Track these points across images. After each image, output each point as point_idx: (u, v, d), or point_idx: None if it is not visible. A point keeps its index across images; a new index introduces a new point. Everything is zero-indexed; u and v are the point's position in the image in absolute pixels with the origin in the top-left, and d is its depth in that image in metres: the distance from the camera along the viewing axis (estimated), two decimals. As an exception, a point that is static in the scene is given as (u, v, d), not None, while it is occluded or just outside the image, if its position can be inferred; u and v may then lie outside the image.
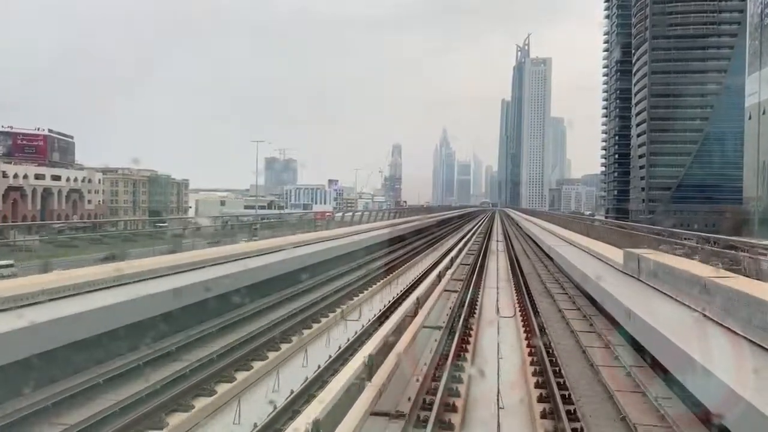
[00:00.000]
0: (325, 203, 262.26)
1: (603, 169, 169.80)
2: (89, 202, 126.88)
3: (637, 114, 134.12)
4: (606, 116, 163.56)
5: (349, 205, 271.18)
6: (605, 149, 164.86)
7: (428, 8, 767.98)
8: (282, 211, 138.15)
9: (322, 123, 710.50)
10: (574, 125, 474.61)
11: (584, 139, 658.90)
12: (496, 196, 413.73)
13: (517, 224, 70.32)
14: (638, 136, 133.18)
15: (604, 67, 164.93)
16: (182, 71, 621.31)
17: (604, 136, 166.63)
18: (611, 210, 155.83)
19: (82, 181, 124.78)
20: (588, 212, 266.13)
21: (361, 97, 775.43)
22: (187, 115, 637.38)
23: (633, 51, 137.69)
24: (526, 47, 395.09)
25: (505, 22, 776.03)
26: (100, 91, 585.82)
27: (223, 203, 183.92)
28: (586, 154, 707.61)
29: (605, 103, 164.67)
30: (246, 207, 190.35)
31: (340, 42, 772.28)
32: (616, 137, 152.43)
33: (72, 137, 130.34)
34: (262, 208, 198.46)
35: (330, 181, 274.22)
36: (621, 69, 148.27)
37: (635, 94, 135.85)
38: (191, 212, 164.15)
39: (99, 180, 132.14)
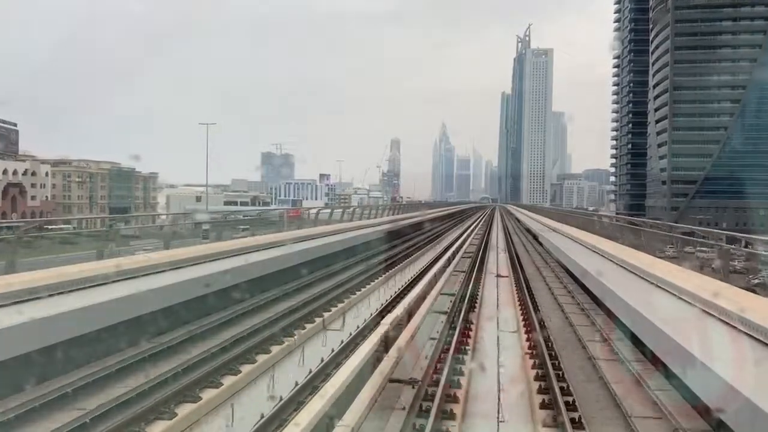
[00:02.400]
0: (316, 199, 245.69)
1: (613, 161, 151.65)
2: (33, 197, 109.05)
3: (656, 97, 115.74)
4: (617, 101, 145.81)
5: (342, 200, 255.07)
6: (616, 139, 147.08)
7: (428, 2, 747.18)
8: (248, 208, 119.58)
9: (321, 118, 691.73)
10: (575, 120, 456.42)
11: (585, 133, 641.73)
12: (496, 191, 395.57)
13: (528, 231, 50.88)
14: (657, 122, 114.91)
15: (614, 58, 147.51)
16: (179, 67, 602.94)
17: (614, 124, 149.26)
18: (624, 206, 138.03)
19: (24, 173, 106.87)
20: (591, 208, 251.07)
21: (361, 93, 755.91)
22: (183, 110, 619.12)
23: (651, 40, 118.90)
24: (527, 38, 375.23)
25: (505, 15, 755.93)
26: (96, 87, 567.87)
27: (198, 199, 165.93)
28: (587, 148, 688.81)
29: (616, 87, 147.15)
30: (226, 203, 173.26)
31: (339, 37, 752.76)
32: (630, 124, 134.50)
33: (15, 124, 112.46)
34: (245, 204, 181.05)
35: (321, 175, 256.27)
36: (635, 59, 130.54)
37: (653, 75, 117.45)
38: (161, 209, 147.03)
39: (46, 173, 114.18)
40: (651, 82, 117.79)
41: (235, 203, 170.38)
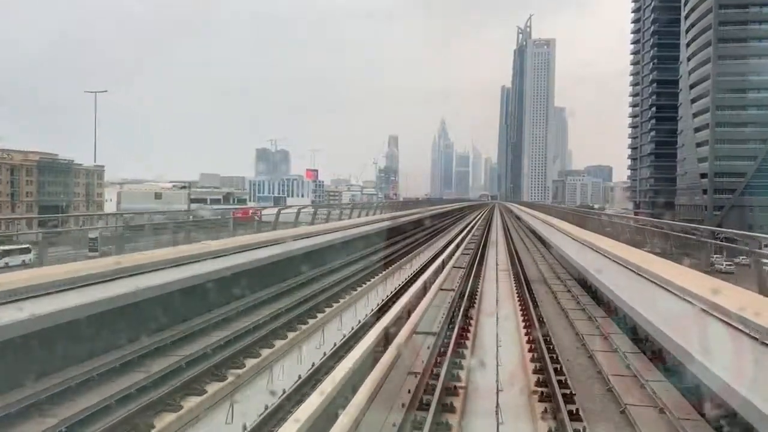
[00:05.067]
0: (302, 196, 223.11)
1: (629, 152, 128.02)
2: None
3: (692, 71, 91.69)
4: (637, 83, 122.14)
5: (332, 197, 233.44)
6: (635, 126, 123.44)
7: None
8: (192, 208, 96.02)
9: (320, 116, 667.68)
10: (575, 115, 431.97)
11: (586, 129, 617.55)
12: (496, 188, 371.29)
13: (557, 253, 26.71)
14: (693, 101, 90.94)
15: (633, 52, 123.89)
16: (177, 65, 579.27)
17: (633, 109, 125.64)
18: (644, 204, 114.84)
19: None
20: (597, 206, 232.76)
21: (360, 90, 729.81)
22: (180, 109, 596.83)
23: (685, 23, 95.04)
24: (528, 29, 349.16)
25: (505, 12, 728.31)
26: (95, 85, 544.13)
27: (158, 196, 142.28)
28: (588, 145, 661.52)
29: (634, 66, 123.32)
30: (193, 200, 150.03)
31: (337, 34, 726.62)
32: (653, 107, 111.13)
33: None
34: (216, 201, 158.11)
35: (308, 170, 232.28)
36: (660, 31, 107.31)
37: (688, 45, 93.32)
38: (109, 207, 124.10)
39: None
40: (685, 54, 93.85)
41: (204, 201, 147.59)
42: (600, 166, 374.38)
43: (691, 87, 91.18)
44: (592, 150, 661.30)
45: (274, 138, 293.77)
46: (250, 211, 50.75)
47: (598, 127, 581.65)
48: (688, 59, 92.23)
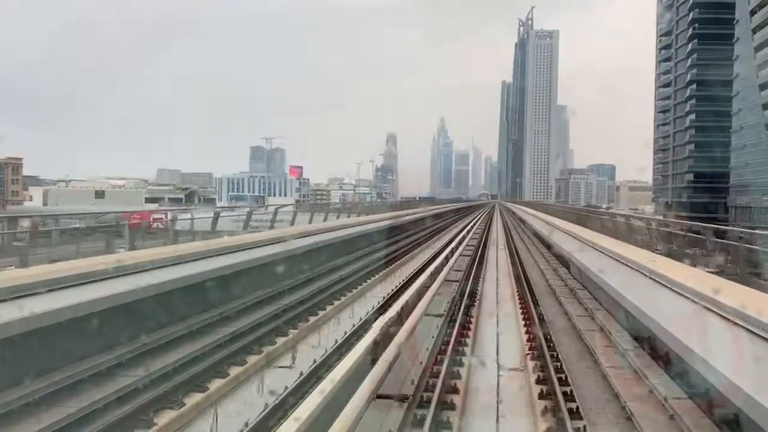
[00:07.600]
0: (285, 195, 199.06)
1: (660, 142, 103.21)
2: None
3: (755, 28, 66.47)
4: (666, 57, 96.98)
5: (318, 197, 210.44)
6: (666, 110, 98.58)
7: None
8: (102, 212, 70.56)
9: (319, 114, 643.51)
10: (577, 113, 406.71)
11: (587, 128, 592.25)
12: (496, 187, 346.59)
13: None
14: (761, 66, 65.66)
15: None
16: (176, 63, 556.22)
17: (659, 91, 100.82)
18: (677, 205, 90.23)
19: None
20: (604, 206, 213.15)
21: (359, 88, 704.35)
22: (180, 106, 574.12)
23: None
24: (530, 21, 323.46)
25: (506, 8, 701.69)
26: (94, 83, 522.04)
27: (100, 195, 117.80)
28: (588, 144, 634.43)
29: (665, 37, 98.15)
30: (149, 200, 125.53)
31: (337, 32, 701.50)
32: (693, 83, 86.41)
33: None
34: (178, 201, 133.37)
35: (292, 167, 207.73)
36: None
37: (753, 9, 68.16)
38: (29, 208, 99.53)
39: None
40: (747, 7, 68.70)
41: (162, 200, 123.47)
42: (603, 165, 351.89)
43: (756, 50, 66.02)
44: (593, 149, 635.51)
45: (269, 136, 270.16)
46: (149, 215, 28.75)
47: (600, 126, 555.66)
48: (752, 13, 67.10)
